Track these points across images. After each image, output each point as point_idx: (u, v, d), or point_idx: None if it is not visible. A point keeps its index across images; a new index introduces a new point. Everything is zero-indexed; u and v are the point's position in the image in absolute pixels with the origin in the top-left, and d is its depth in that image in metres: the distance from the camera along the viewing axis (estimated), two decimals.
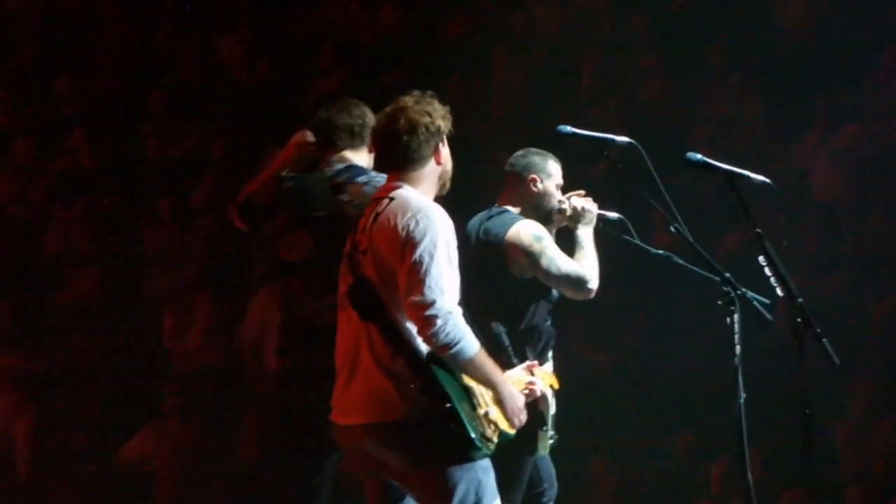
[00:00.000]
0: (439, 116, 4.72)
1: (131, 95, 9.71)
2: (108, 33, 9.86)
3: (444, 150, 4.76)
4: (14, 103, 9.59)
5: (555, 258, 5.67)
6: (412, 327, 4.55)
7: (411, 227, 4.56)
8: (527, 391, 4.85)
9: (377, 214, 4.66)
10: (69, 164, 9.41)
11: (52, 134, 9.55)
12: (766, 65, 8.53)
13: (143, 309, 8.88)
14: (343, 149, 5.62)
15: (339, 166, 5.58)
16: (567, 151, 5.95)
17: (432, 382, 4.50)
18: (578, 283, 5.68)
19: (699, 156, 5.29)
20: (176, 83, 9.75)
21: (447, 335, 4.50)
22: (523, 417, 4.70)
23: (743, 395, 5.05)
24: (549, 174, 5.86)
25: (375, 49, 9.45)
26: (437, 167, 4.75)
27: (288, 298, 5.72)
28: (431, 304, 4.49)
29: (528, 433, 5.12)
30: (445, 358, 4.53)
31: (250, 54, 9.75)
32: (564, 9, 9.08)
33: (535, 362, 5.07)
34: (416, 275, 4.51)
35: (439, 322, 4.48)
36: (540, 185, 5.85)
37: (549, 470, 5.86)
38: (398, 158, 4.71)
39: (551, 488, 5.87)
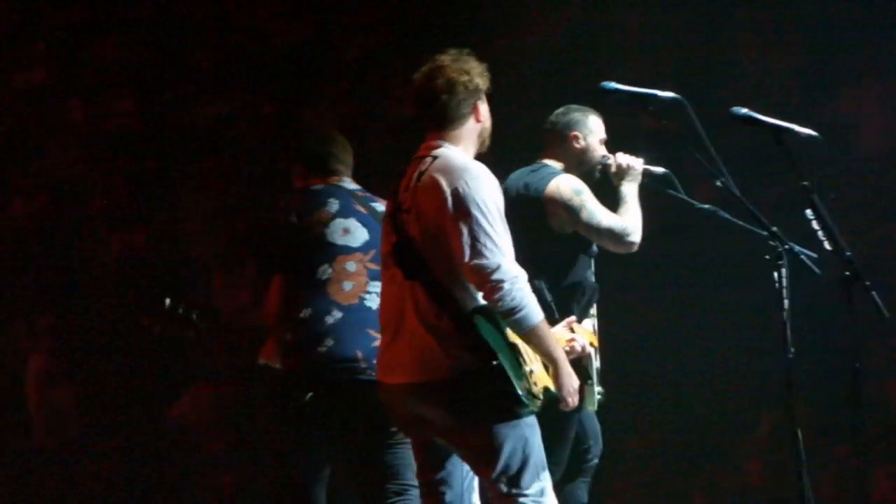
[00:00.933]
0: (477, 74, 4.72)
1: (175, 58, 9.70)
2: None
3: (484, 108, 4.76)
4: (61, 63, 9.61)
5: (595, 211, 5.65)
6: (457, 286, 4.54)
7: (461, 189, 4.54)
8: (568, 348, 4.83)
9: (420, 173, 4.65)
10: (116, 126, 9.43)
11: (100, 95, 9.57)
12: (808, 16, 8.41)
13: (190, 268, 8.91)
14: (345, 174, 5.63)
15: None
16: (612, 107, 5.90)
17: (478, 339, 4.50)
18: (620, 236, 5.66)
19: (745, 110, 5.26)
20: (220, 46, 9.74)
21: (514, 299, 4.48)
22: (576, 399, 4.67)
23: (791, 350, 5.02)
24: (591, 130, 5.84)
25: (412, 7, 9.40)
26: (477, 125, 4.75)
27: None
28: (497, 268, 4.47)
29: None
30: (509, 323, 4.51)
31: (291, 15, 9.73)
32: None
33: (574, 318, 5.05)
34: (475, 238, 4.49)
35: (506, 286, 4.47)
36: (582, 142, 5.83)
37: (595, 426, 5.87)
38: (438, 117, 4.70)
39: (596, 445, 5.88)
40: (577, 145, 5.82)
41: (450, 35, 8.59)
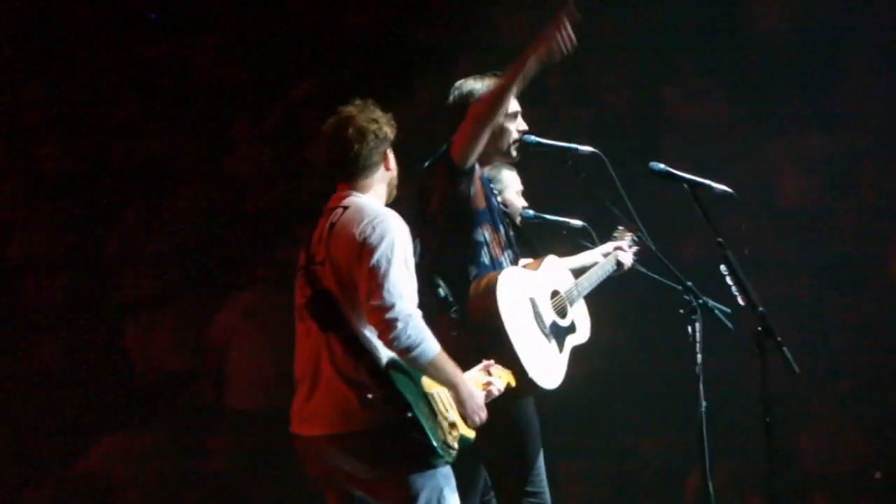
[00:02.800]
0: (385, 122, 4.79)
1: (103, 99, 9.69)
2: (81, 36, 9.84)
3: (391, 156, 4.81)
4: None
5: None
6: (372, 336, 4.58)
7: (368, 233, 4.59)
8: (485, 392, 4.87)
9: (332, 224, 4.69)
10: (38, 166, 9.39)
11: (23, 137, 9.52)
12: (735, 71, 8.55)
13: (110, 315, 8.86)
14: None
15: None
16: (533, 159, 5.96)
17: (393, 391, 4.52)
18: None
19: (662, 165, 5.32)
20: (149, 87, 9.74)
21: (408, 338, 4.52)
22: (483, 415, 4.73)
23: (704, 403, 5.08)
24: (506, 185, 5.88)
25: (346, 52, 9.46)
26: (387, 173, 4.81)
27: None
28: (391, 307, 4.51)
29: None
30: (407, 360, 4.56)
31: (225, 56, 9.75)
32: (529, 17, 9.10)
33: (492, 361, 5.08)
34: (374, 279, 4.53)
35: (400, 325, 4.50)
36: (499, 198, 5.87)
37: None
38: (349, 167, 4.76)
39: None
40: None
41: (381, 80, 8.71)
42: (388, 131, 4.78)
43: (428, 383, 4.62)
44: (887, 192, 8.01)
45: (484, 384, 4.88)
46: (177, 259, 8.94)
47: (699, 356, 5.14)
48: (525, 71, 5.17)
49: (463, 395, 4.67)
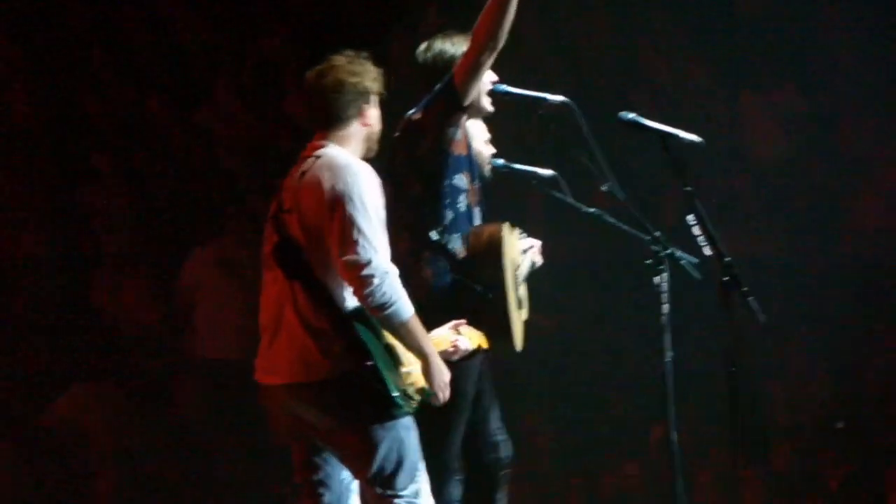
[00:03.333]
0: (369, 77, 4.71)
1: (73, 52, 9.62)
2: None
3: (372, 112, 4.74)
4: None
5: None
6: (336, 286, 4.54)
7: (338, 187, 4.54)
8: (452, 348, 4.84)
9: (303, 173, 4.64)
10: (8, 118, 9.32)
11: None
12: (709, 28, 8.53)
13: (81, 266, 8.82)
14: None
15: None
16: (503, 109, 5.92)
17: (355, 340, 4.49)
18: None
19: (631, 115, 5.27)
20: (120, 39, 9.67)
21: (383, 295, 4.49)
22: (447, 393, 4.68)
23: (670, 353, 5.07)
24: (473, 134, 5.83)
25: (317, 7, 9.40)
26: (363, 128, 4.73)
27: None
28: (367, 263, 4.47)
29: None
30: (379, 318, 4.52)
31: (197, 10, 9.68)
32: None
33: (463, 321, 5.05)
34: (348, 233, 4.49)
35: (376, 281, 4.47)
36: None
37: (496, 432, 5.75)
38: (324, 116, 4.70)
39: (505, 449, 5.72)
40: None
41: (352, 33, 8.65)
42: (370, 86, 4.69)
43: (389, 336, 4.59)
44: (858, 147, 8.02)
45: (451, 342, 4.86)
46: (148, 212, 8.89)
47: (665, 306, 5.11)
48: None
49: (431, 368, 4.62)
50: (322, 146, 4.68)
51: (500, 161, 5.91)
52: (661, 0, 8.67)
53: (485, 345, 5.18)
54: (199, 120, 9.33)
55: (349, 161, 4.64)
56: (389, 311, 4.51)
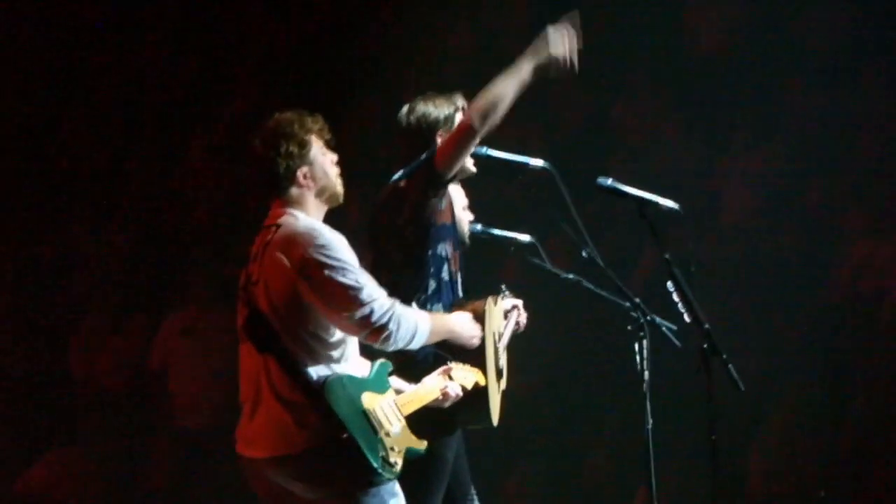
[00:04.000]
0: (304, 131, 4.66)
1: (48, 107, 9.60)
2: (27, 39, 9.75)
3: (315, 168, 4.67)
4: None
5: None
6: (307, 357, 4.54)
7: (306, 255, 4.53)
8: (442, 396, 4.83)
9: (266, 244, 4.62)
10: None
11: None
12: (681, 88, 8.59)
13: (51, 331, 8.76)
14: None
15: None
16: (483, 172, 5.93)
17: (328, 412, 4.47)
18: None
19: (609, 181, 5.29)
20: (94, 97, 9.67)
21: (404, 334, 4.58)
22: (477, 338, 4.95)
23: (650, 421, 5.06)
24: (452, 199, 5.85)
25: (292, 60, 9.43)
26: (312, 186, 4.67)
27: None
28: (370, 312, 4.51)
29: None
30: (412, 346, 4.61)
31: (170, 67, 9.69)
32: (477, 31, 9.10)
33: (451, 366, 5.02)
34: (338, 295, 4.50)
35: (391, 326, 4.54)
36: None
37: (465, 472, 5.74)
38: (266, 184, 4.68)
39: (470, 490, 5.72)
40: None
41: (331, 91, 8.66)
42: (305, 140, 4.66)
43: (368, 399, 4.57)
44: (830, 207, 8.06)
45: (442, 389, 4.84)
46: (117, 275, 8.85)
47: (646, 374, 5.11)
48: (523, 80, 5.07)
49: (461, 338, 4.87)
50: (281, 213, 4.66)
51: (479, 226, 5.92)
52: (634, 64, 8.73)
53: (482, 381, 5.12)
54: (172, 181, 9.32)
55: (307, 227, 4.60)
56: (415, 341, 4.64)
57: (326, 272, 4.50)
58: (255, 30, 9.67)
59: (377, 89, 8.96)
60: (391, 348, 4.56)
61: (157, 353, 8.47)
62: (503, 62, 8.76)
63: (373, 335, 4.53)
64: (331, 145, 4.74)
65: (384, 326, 4.51)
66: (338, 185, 4.72)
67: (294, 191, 4.66)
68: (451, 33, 9.16)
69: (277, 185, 4.66)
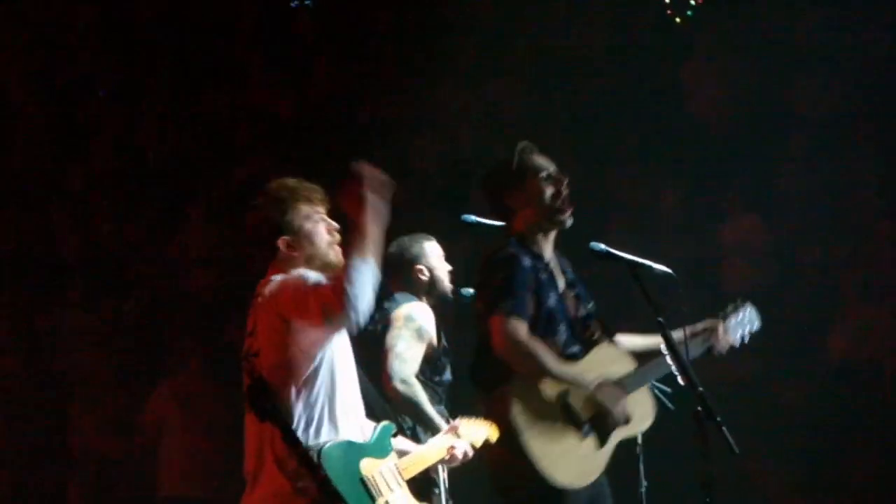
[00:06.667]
0: (292, 198, 4.67)
1: (46, 173, 9.67)
2: (26, 111, 9.84)
3: (299, 235, 4.67)
4: None
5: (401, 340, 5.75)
6: (303, 422, 4.56)
7: (274, 292, 4.56)
8: (448, 456, 4.82)
9: (254, 308, 4.66)
10: None
11: None
12: (677, 155, 8.66)
13: (51, 396, 8.78)
14: None
15: None
16: (472, 238, 6.00)
17: (325, 481, 4.47)
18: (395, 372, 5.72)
19: (602, 246, 5.34)
20: (94, 164, 9.73)
21: (357, 282, 4.45)
22: None
23: (644, 483, 5.07)
24: (428, 254, 5.95)
25: (293, 129, 9.51)
26: (297, 254, 4.68)
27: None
28: (318, 283, 4.49)
29: (422, 496, 5.06)
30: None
31: (171, 135, 9.76)
32: (477, 96, 9.18)
33: (458, 423, 5.01)
34: (292, 291, 4.53)
35: (345, 285, 4.45)
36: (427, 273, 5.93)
37: None
38: (256, 247, 4.69)
39: None
40: (423, 277, 5.95)
41: (333, 155, 8.72)
42: (288, 207, 4.66)
43: (367, 465, 4.57)
44: (828, 274, 8.09)
45: (448, 449, 4.83)
46: (113, 340, 8.88)
47: (639, 436, 5.13)
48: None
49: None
50: (268, 281, 4.66)
51: (472, 290, 5.98)
52: (633, 129, 8.80)
53: (493, 437, 5.10)
54: (171, 249, 9.37)
55: (278, 279, 4.61)
56: (367, 281, 4.45)
57: (287, 286, 4.52)
58: (255, 99, 9.76)
59: (379, 157, 9.03)
60: (361, 305, 4.41)
61: (149, 414, 8.47)
62: (505, 130, 8.89)
63: (337, 305, 4.41)
64: (328, 213, 4.74)
65: (340, 288, 4.38)
66: (329, 255, 4.70)
67: (281, 256, 4.68)
68: (456, 100, 9.25)
69: (263, 249, 4.66)
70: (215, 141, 9.66)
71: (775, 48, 8.60)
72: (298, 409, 4.55)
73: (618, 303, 6.85)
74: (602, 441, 5.25)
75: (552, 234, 5.39)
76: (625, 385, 5.31)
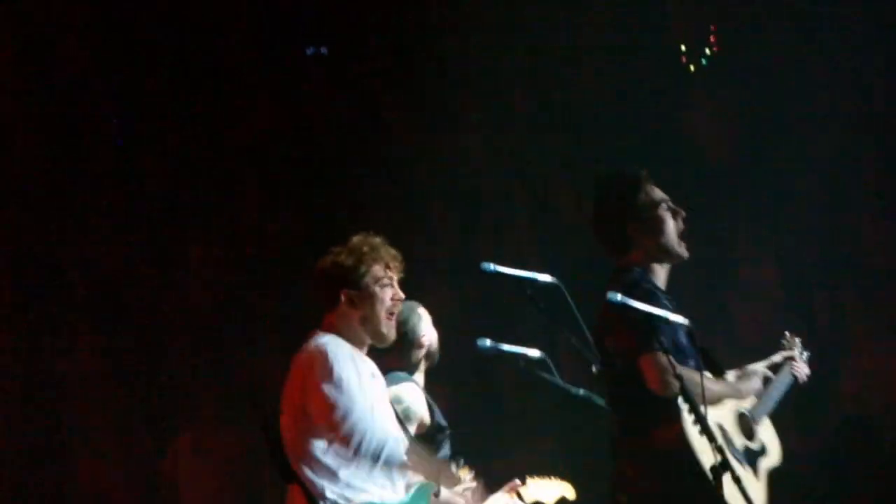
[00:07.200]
0: (354, 258, 4.64)
1: (50, 222, 9.65)
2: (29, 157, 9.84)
3: (362, 293, 4.64)
4: None
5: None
6: (323, 482, 4.51)
7: (307, 369, 4.53)
8: None
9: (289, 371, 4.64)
10: None
11: None
12: (686, 199, 8.66)
13: (61, 447, 8.74)
14: None
15: None
16: (491, 286, 5.98)
17: None
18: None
19: (619, 296, 5.30)
20: (100, 201, 9.71)
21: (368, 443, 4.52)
22: None
23: None
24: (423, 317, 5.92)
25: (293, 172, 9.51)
26: (354, 312, 4.64)
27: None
28: (340, 423, 4.54)
29: None
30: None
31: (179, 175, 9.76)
32: (484, 138, 9.19)
33: (518, 481, 4.96)
34: (317, 402, 4.52)
35: (356, 438, 4.53)
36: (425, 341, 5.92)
37: None
38: (317, 298, 4.66)
39: None
40: (421, 350, 5.93)
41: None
42: (354, 266, 4.62)
43: None
44: (837, 317, 8.09)
45: None
46: (126, 389, 8.84)
47: None
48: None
49: None
50: (311, 334, 4.63)
51: (488, 342, 5.94)
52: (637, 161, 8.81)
53: (571, 494, 5.02)
54: (179, 292, 9.34)
55: (318, 344, 4.56)
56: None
57: (317, 380, 4.47)
58: (256, 142, 9.77)
59: (385, 206, 9.04)
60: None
61: (167, 470, 8.44)
62: (511, 162, 8.88)
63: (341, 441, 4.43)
64: (397, 283, 4.70)
65: (349, 437, 4.42)
66: (383, 324, 4.66)
67: (340, 309, 4.61)
68: (456, 143, 9.27)
69: (324, 297, 4.61)
70: (215, 182, 9.64)
71: (777, 86, 8.62)
72: (318, 466, 4.52)
73: None
74: (755, 472, 5.19)
75: (668, 267, 5.28)
76: (756, 417, 5.26)
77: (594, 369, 5.39)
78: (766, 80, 8.79)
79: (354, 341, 4.65)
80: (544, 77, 9.17)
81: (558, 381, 5.79)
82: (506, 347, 5.90)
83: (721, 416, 5.23)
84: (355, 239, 4.68)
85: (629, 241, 5.25)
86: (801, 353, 5.70)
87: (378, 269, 4.66)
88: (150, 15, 9.52)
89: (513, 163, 9.08)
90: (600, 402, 5.66)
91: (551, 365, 5.84)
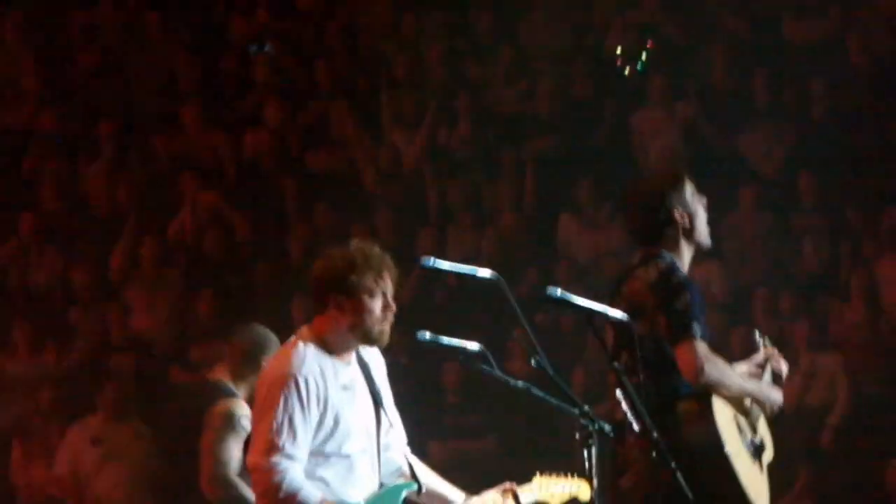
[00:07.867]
0: (347, 265, 4.61)
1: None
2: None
3: (355, 299, 4.62)
4: None
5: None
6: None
7: (259, 387, 4.58)
8: None
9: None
10: None
11: None
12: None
13: None
14: None
15: None
16: (432, 281, 6.00)
17: None
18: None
19: (559, 291, 5.33)
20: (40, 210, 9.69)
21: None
22: None
23: None
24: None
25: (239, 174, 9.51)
26: (343, 317, 4.64)
27: None
28: (261, 465, 4.50)
29: None
30: None
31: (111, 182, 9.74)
32: (425, 141, 9.23)
33: (510, 484, 4.97)
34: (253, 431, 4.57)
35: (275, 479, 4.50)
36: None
37: None
38: (310, 291, 4.67)
39: None
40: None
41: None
42: (346, 275, 4.60)
43: None
44: (776, 318, 8.17)
45: None
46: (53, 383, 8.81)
47: (595, 480, 5.11)
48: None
49: None
50: (299, 334, 4.66)
51: (427, 335, 5.95)
52: (583, 176, 8.88)
53: (585, 494, 5.04)
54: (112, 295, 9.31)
55: (281, 358, 4.62)
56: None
57: (263, 408, 4.52)
58: (198, 146, 9.77)
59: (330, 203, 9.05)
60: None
61: (63, 460, 8.41)
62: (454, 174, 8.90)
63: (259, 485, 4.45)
64: (390, 292, 4.68)
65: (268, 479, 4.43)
66: (374, 330, 4.65)
67: (328, 313, 4.61)
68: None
69: (316, 299, 4.61)
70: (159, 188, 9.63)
71: (725, 99, 8.72)
72: None
73: (566, 348, 6.87)
74: (761, 465, 5.27)
75: (692, 254, 5.42)
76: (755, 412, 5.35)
77: (533, 361, 5.41)
78: (709, 91, 8.90)
79: (337, 348, 4.66)
80: (487, 94, 9.25)
81: (498, 373, 5.81)
82: (445, 340, 5.91)
83: (736, 410, 5.32)
84: (353, 246, 4.68)
85: (663, 228, 5.34)
86: (774, 350, 5.79)
87: (369, 279, 4.64)
88: None
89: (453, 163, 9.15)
90: (539, 393, 5.69)
91: (490, 358, 5.86)
